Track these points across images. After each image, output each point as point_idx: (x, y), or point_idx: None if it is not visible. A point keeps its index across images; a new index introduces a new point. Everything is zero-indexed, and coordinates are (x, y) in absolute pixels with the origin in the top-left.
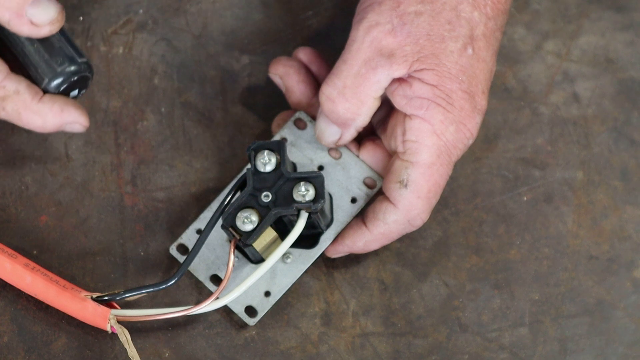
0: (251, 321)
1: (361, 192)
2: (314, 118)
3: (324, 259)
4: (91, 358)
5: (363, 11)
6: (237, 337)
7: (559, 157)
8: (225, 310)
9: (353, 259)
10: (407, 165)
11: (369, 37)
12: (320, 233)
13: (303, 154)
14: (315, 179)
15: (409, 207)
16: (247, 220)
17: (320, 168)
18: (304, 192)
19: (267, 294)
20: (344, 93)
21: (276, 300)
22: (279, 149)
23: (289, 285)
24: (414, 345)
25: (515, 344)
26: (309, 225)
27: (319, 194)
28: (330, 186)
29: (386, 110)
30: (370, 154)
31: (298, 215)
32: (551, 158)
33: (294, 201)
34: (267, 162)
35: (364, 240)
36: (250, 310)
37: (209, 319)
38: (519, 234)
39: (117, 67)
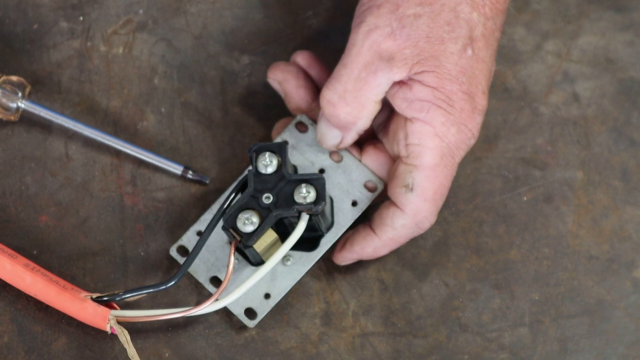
0: (251, 323)
1: (362, 196)
2: (314, 121)
3: (324, 259)
4: (91, 358)
5: (362, 14)
6: (237, 337)
7: (559, 157)
8: (226, 311)
9: None
10: (411, 169)
11: (368, 40)
12: (321, 236)
13: (304, 157)
14: (317, 181)
15: (416, 211)
16: (248, 222)
17: (322, 171)
18: (305, 194)
19: (267, 296)
20: (345, 97)
21: (276, 302)
22: (280, 150)
23: (289, 288)
24: (414, 345)
25: (515, 344)
26: (310, 227)
27: (320, 196)
28: (331, 189)
29: (387, 113)
30: (372, 158)
31: (299, 218)
32: (551, 158)
33: (295, 203)
34: (268, 164)
35: (373, 247)
36: (250, 312)
37: (209, 319)
38: (519, 234)
39: (117, 67)
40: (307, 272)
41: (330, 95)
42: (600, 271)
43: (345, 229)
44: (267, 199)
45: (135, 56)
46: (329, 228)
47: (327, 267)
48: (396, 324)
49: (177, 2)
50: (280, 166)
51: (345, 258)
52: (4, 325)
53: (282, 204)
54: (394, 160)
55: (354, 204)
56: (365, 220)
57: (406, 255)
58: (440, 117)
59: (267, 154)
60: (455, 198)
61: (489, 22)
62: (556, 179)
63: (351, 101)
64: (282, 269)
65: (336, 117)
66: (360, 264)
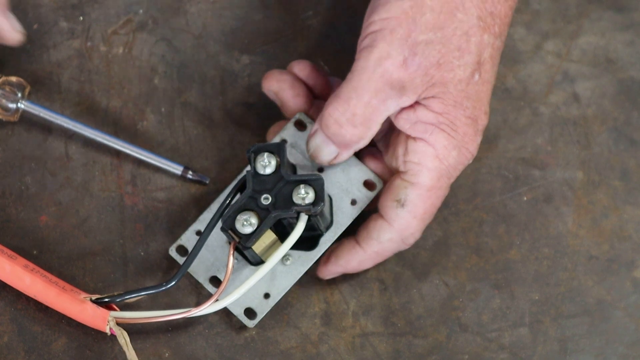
0: (250, 323)
1: (361, 195)
2: (313, 120)
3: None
4: (91, 358)
5: (372, 37)
6: (237, 337)
7: (559, 157)
8: (225, 311)
9: None
10: (406, 185)
11: (380, 68)
12: (320, 235)
13: (303, 155)
14: (315, 181)
15: (404, 227)
16: (247, 223)
17: (320, 170)
18: (304, 195)
19: (267, 295)
20: (353, 120)
21: (275, 302)
22: (278, 151)
23: (289, 288)
24: (414, 345)
25: (515, 344)
26: (309, 227)
27: (319, 196)
28: (330, 188)
29: (388, 124)
30: (372, 169)
31: (298, 218)
32: (551, 158)
33: (294, 204)
34: (267, 165)
35: (358, 260)
36: (250, 312)
37: (209, 319)
38: (519, 234)
39: (117, 67)
40: (306, 272)
41: (338, 116)
42: (600, 271)
43: (344, 228)
44: (266, 199)
45: (135, 56)
46: (328, 227)
47: None
48: (396, 324)
49: (177, 2)
50: (278, 166)
51: (330, 272)
52: (4, 325)
53: (280, 205)
54: (392, 172)
55: (353, 202)
56: (351, 233)
57: (406, 255)
58: (443, 140)
59: (266, 154)
60: (455, 198)
61: (497, 41)
62: (556, 179)
63: (358, 124)
64: (281, 268)
65: (340, 137)
66: None
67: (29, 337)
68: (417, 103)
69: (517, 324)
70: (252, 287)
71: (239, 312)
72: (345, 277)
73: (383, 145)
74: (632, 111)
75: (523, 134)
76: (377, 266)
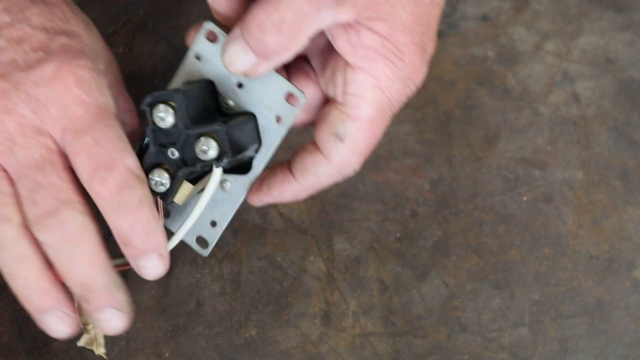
0: (204, 252)
1: (285, 111)
2: (227, 31)
3: (323, 259)
4: (91, 358)
5: None
6: (237, 337)
7: (559, 157)
8: (226, 310)
9: (353, 259)
10: (344, 118)
11: None
12: (252, 158)
13: (219, 69)
14: (217, 132)
15: (343, 162)
16: (158, 183)
17: (240, 85)
18: (205, 149)
19: (213, 223)
20: (280, 26)
21: (223, 229)
22: (174, 99)
23: (232, 213)
24: (414, 345)
25: (515, 344)
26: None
27: (223, 149)
28: (252, 105)
29: (324, 43)
30: (302, 89)
31: (211, 170)
32: (551, 158)
33: (198, 159)
34: (165, 117)
35: (292, 192)
36: (202, 241)
37: (209, 319)
38: (519, 234)
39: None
40: (246, 195)
41: (262, 19)
42: (600, 271)
43: (274, 148)
44: (172, 154)
45: (135, 56)
46: (257, 149)
47: (327, 267)
48: (396, 324)
49: (177, 2)
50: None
51: (261, 200)
52: (4, 326)
53: (188, 160)
54: (326, 97)
55: (278, 119)
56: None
57: (406, 255)
58: (387, 69)
59: (161, 106)
60: (455, 198)
61: None
62: (556, 179)
63: (285, 32)
64: (221, 194)
65: (261, 43)
66: (360, 264)
67: (29, 337)
68: (359, 24)
69: (517, 324)
70: (198, 216)
71: (191, 242)
72: (345, 277)
73: (318, 66)
74: (632, 111)
75: (523, 134)
76: (377, 266)
